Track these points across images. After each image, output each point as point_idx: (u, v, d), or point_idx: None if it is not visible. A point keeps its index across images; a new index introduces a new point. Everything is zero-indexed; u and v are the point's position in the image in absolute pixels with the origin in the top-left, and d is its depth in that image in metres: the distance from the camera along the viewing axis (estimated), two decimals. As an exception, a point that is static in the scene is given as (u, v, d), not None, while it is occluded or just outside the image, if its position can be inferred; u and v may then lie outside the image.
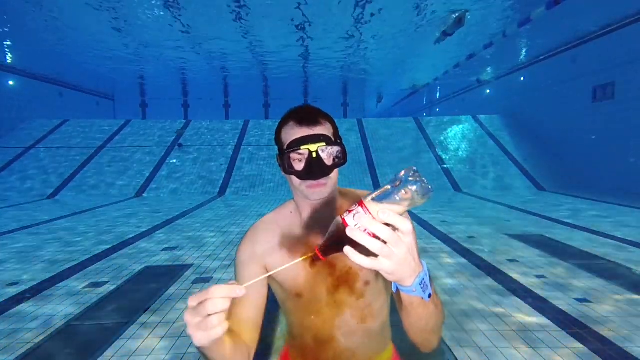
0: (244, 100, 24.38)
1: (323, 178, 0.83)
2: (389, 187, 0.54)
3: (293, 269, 0.89)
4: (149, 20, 11.76)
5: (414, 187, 0.52)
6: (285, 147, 0.84)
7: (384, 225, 0.52)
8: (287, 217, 0.96)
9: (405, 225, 0.53)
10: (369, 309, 0.92)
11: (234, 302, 0.85)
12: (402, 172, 0.54)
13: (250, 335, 0.86)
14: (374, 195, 0.55)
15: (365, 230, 0.52)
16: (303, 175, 0.83)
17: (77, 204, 9.28)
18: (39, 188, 10.80)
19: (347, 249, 0.53)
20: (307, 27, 12.22)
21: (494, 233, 5.47)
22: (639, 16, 9.00)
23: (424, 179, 0.53)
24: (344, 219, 0.55)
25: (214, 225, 6.37)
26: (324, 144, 0.82)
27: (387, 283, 0.93)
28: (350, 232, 0.52)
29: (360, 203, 0.54)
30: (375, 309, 0.93)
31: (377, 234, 0.52)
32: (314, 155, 0.81)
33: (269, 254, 0.92)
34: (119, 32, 12.62)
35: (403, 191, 0.52)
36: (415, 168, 0.55)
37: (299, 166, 0.83)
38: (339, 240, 0.55)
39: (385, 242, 0.53)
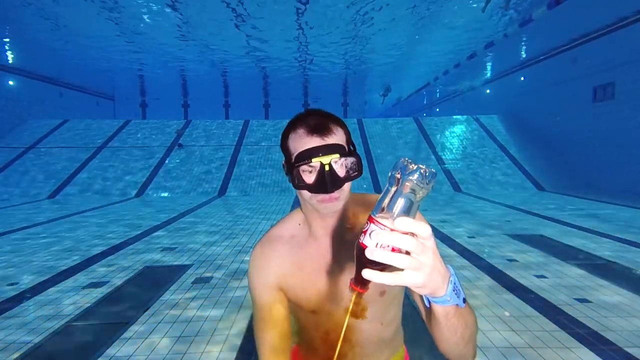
0: (244, 100, 24.41)
1: (336, 191, 0.77)
2: (391, 189, 0.50)
3: (306, 288, 0.88)
4: (150, 20, 11.77)
5: (415, 177, 0.48)
6: (294, 158, 0.77)
7: (406, 235, 0.48)
8: (296, 230, 0.91)
9: (425, 229, 0.48)
10: (384, 317, 0.90)
11: (264, 332, 0.87)
12: (399, 167, 0.50)
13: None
14: (382, 205, 0.50)
15: (388, 246, 0.48)
16: (314, 189, 0.77)
17: (77, 204, 9.28)
18: (38, 188, 10.79)
19: (367, 274, 0.48)
20: (306, 26, 12.23)
21: (494, 233, 5.47)
22: (639, 16, 9.00)
23: (420, 165, 0.49)
24: (362, 243, 0.51)
25: (214, 225, 6.36)
26: (338, 155, 0.75)
27: (400, 288, 0.91)
28: (370, 255, 0.48)
29: (370, 219, 0.50)
30: (390, 316, 0.91)
31: (401, 246, 0.48)
32: (327, 168, 0.74)
33: (282, 275, 0.89)
34: (120, 32, 12.63)
35: (407, 184, 0.48)
36: (407, 158, 0.51)
37: (310, 178, 0.77)
38: (366, 266, 0.51)
39: (408, 253, 0.49)
